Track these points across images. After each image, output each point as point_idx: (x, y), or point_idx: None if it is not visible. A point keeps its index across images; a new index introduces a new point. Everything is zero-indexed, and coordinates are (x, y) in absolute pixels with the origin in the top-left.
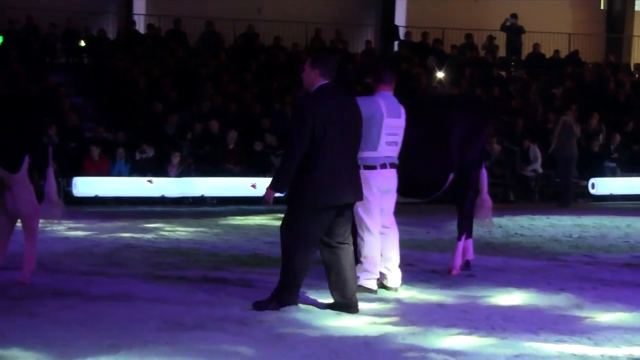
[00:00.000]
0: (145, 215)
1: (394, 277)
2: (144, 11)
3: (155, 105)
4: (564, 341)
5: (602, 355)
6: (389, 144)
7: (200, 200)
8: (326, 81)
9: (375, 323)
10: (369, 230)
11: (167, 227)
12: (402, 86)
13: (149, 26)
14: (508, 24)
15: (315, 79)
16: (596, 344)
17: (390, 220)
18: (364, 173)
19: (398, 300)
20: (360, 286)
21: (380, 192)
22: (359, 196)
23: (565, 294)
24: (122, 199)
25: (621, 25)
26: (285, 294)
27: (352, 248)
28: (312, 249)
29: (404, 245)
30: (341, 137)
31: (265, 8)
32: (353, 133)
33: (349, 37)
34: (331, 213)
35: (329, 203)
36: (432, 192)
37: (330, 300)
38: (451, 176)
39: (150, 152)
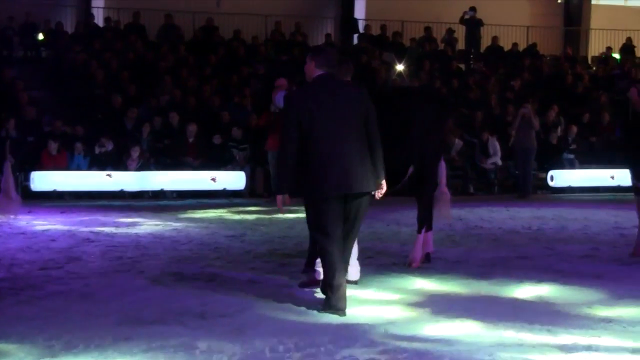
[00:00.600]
0: (104, 209)
1: (354, 270)
2: (103, 4)
3: (114, 99)
4: (523, 331)
5: (561, 346)
6: None
7: (160, 194)
8: (322, 72)
9: (337, 316)
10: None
11: (127, 222)
12: (361, 79)
13: (107, 19)
14: (467, 17)
15: (312, 70)
16: (555, 335)
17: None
18: None
19: (357, 293)
20: (318, 281)
21: None
22: (366, 186)
23: (525, 286)
24: (80, 194)
25: (579, 18)
26: (328, 288)
27: (355, 239)
28: (331, 238)
29: (363, 238)
30: (334, 127)
31: (225, 1)
32: (352, 122)
33: (308, 30)
34: (335, 203)
35: (326, 194)
36: (392, 184)
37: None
38: (411, 169)
39: (109, 146)
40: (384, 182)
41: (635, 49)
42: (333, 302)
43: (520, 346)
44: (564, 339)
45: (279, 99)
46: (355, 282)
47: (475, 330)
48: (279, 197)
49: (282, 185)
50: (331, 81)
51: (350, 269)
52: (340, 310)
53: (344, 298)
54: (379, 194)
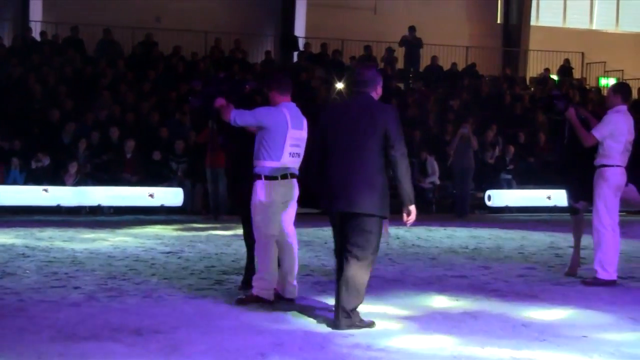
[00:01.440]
0: (41, 224)
1: (291, 288)
2: (41, 18)
3: (51, 113)
4: (460, 346)
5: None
6: (292, 155)
7: (97, 210)
8: (357, 90)
9: (269, 336)
10: (264, 240)
11: (63, 237)
12: (300, 97)
13: (42, 33)
14: (407, 38)
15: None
16: (488, 347)
17: (291, 230)
18: (264, 183)
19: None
20: (256, 297)
21: (280, 202)
22: (363, 207)
23: (461, 304)
24: (17, 208)
25: (517, 39)
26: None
27: (357, 264)
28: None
29: (302, 256)
30: (341, 145)
31: (165, 17)
32: (363, 141)
33: (248, 47)
34: (336, 219)
35: (325, 208)
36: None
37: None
38: None
39: (45, 161)
40: (412, 207)
41: (573, 71)
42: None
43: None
44: (497, 353)
45: (234, 118)
46: (292, 301)
47: (406, 348)
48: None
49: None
50: (352, 101)
51: (288, 287)
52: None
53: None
54: (408, 220)
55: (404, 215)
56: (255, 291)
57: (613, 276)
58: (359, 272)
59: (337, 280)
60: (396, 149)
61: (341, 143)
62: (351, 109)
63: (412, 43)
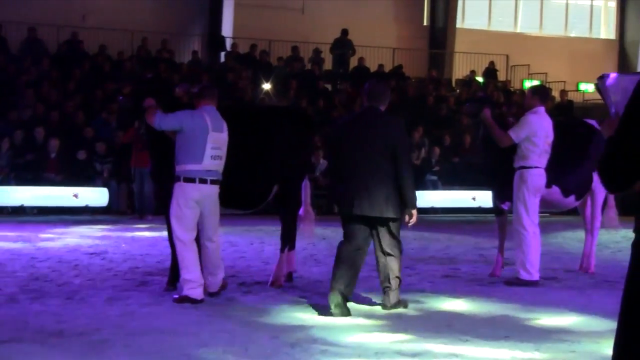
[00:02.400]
0: None
1: (215, 281)
2: None
3: None
4: (384, 352)
5: (417, 353)
6: (213, 157)
7: (20, 210)
8: (368, 105)
9: (193, 338)
10: (181, 240)
11: None
12: (227, 97)
13: None
14: (339, 42)
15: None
16: (414, 356)
17: (215, 234)
18: (182, 186)
19: (215, 313)
20: (186, 297)
21: (195, 203)
22: (377, 211)
23: (385, 305)
24: None
25: (443, 41)
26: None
27: (397, 258)
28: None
29: (227, 256)
30: (357, 157)
31: (90, 15)
32: (373, 150)
33: (175, 46)
34: (352, 222)
35: (348, 212)
36: (256, 203)
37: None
38: (275, 188)
39: None
40: (414, 211)
41: (498, 73)
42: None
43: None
44: (422, 347)
45: (158, 122)
46: (216, 293)
47: (334, 348)
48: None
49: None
50: (370, 114)
51: (212, 279)
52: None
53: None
54: (410, 222)
55: (406, 217)
56: (184, 291)
57: (535, 277)
58: (399, 264)
59: (338, 265)
60: (403, 160)
61: (358, 155)
62: (363, 123)
63: (343, 48)
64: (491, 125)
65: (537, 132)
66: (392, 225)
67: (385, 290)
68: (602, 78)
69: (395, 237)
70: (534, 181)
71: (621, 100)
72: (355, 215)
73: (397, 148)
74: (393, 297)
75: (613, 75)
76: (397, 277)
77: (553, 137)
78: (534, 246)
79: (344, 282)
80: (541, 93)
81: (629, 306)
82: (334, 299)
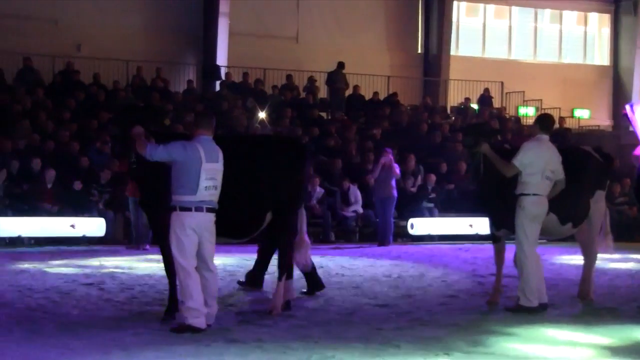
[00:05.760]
0: None
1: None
2: None
3: None
4: None
5: None
6: (207, 188)
7: (17, 241)
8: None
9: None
10: (184, 268)
11: None
12: (222, 126)
13: None
14: (334, 76)
15: None
16: None
17: (211, 266)
18: (179, 215)
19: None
20: (188, 326)
21: (193, 231)
22: None
23: (383, 334)
24: None
25: (437, 69)
26: None
27: None
28: None
29: (226, 285)
30: None
31: (85, 45)
32: None
33: (170, 75)
34: None
35: None
36: (249, 232)
37: None
38: (269, 216)
39: None
40: None
41: (493, 100)
42: None
43: None
44: None
45: (149, 153)
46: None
47: None
48: None
49: None
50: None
51: (208, 310)
52: None
53: None
54: None
55: None
56: (187, 320)
57: (534, 303)
58: None
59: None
60: None
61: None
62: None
63: (338, 82)
64: (493, 157)
65: (536, 160)
66: None
67: None
68: (631, 105)
69: None
70: (533, 208)
71: None
72: None
73: None
74: None
75: None
76: None
77: (556, 164)
78: (534, 273)
79: None
80: (542, 121)
81: None
82: None
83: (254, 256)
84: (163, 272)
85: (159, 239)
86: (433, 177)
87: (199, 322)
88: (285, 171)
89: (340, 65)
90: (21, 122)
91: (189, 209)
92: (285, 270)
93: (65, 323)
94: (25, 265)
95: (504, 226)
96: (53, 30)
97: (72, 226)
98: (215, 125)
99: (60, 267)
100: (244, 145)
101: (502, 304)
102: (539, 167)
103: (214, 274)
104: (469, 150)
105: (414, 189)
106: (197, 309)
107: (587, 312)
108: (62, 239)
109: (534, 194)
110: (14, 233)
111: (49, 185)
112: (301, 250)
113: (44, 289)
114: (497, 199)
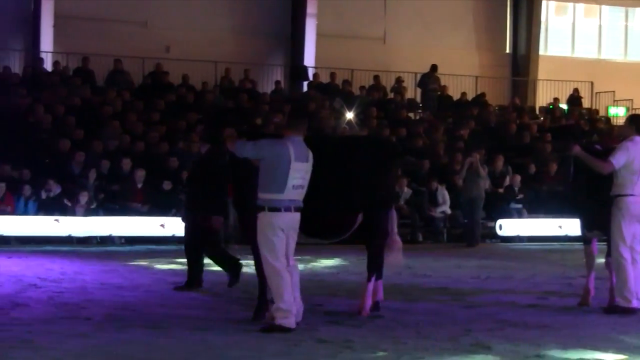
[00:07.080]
0: (51, 254)
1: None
2: (51, 49)
3: (61, 143)
4: None
5: None
6: (295, 187)
7: (108, 240)
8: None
9: None
10: (275, 269)
11: (73, 267)
12: (309, 127)
13: (56, 63)
14: (427, 79)
15: None
16: None
17: (291, 261)
18: (268, 215)
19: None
20: (278, 326)
21: (282, 232)
22: None
23: (473, 335)
24: (28, 238)
25: (526, 69)
26: None
27: None
28: None
29: (312, 285)
30: None
31: (174, 47)
32: None
33: (257, 77)
34: None
35: None
36: (338, 233)
37: None
38: (360, 217)
39: (57, 189)
40: None
41: (582, 100)
42: None
43: None
44: None
45: (239, 150)
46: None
47: None
48: None
49: None
50: None
51: (296, 307)
52: None
53: None
54: None
55: None
56: (277, 320)
57: (632, 304)
58: None
59: None
60: None
61: None
62: None
63: (431, 84)
64: (586, 158)
65: (634, 160)
66: None
67: None
68: None
69: None
70: (630, 209)
71: None
72: None
73: None
74: None
75: None
76: None
77: None
78: (631, 274)
79: None
80: (637, 122)
81: None
82: None
83: (341, 256)
84: (251, 271)
85: (250, 239)
86: (518, 178)
87: (289, 322)
88: (377, 172)
89: (433, 67)
90: (111, 123)
91: (278, 209)
92: (375, 271)
93: (154, 321)
94: (115, 264)
95: (596, 227)
96: (143, 32)
97: (162, 226)
98: (307, 127)
99: (150, 267)
100: (334, 146)
101: (593, 306)
102: (636, 167)
103: (294, 266)
104: (560, 154)
105: (501, 190)
106: (288, 309)
107: None
108: (152, 239)
109: (631, 195)
110: (105, 232)
111: (139, 185)
112: (393, 251)
113: (134, 287)
114: (589, 201)
